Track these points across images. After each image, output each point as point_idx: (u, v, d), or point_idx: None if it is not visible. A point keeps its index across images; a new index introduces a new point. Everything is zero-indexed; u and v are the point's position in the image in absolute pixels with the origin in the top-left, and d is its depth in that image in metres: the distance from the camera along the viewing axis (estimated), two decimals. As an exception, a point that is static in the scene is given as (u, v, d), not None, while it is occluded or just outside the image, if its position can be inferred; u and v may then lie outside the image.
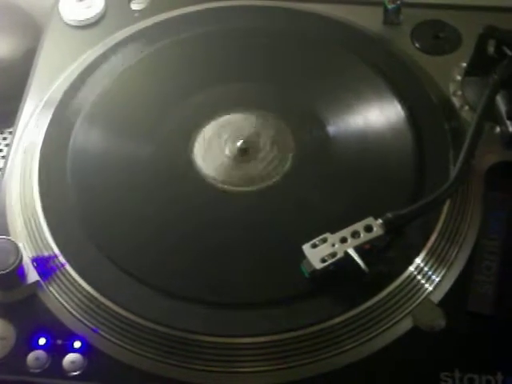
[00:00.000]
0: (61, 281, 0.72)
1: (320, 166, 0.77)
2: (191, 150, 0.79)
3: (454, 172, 0.71)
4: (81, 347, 0.69)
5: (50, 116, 0.81)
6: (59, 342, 0.69)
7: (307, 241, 0.68)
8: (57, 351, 0.69)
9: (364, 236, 0.68)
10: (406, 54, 0.85)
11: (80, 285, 0.71)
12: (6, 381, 0.69)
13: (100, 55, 0.85)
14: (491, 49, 0.77)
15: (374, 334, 0.68)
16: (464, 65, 0.82)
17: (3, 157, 0.87)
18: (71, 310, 0.70)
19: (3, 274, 0.69)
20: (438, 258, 0.71)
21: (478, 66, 0.79)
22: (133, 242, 0.73)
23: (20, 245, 0.71)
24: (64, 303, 0.71)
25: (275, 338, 0.68)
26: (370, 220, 0.68)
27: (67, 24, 0.90)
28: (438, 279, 0.70)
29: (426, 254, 0.71)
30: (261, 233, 0.73)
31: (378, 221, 0.68)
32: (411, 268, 0.70)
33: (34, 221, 0.75)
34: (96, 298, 0.70)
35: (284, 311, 0.68)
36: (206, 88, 0.83)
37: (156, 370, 0.68)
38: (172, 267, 0.71)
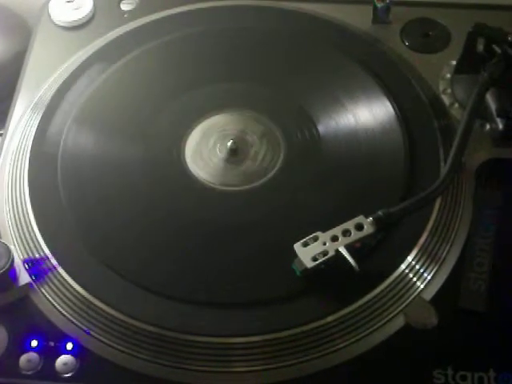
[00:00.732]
0: (52, 282, 0.72)
1: (310, 164, 0.77)
2: (181, 151, 0.79)
3: (444, 170, 0.71)
4: (73, 349, 0.69)
5: (40, 117, 0.80)
6: (51, 343, 0.69)
7: (299, 240, 0.68)
8: (49, 353, 0.69)
9: (355, 234, 0.68)
10: (396, 52, 0.85)
11: (72, 286, 0.71)
12: (-1, 383, 0.69)
13: (90, 56, 0.85)
14: (480, 47, 0.77)
15: (366, 333, 0.68)
16: (453, 63, 0.82)
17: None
18: (63, 311, 0.70)
19: (-5, 277, 0.69)
20: (429, 256, 0.71)
21: (468, 64, 0.80)
22: (124, 243, 0.73)
23: (11, 247, 0.71)
24: (56, 305, 0.71)
25: (268, 337, 0.68)
26: (360, 218, 0.68)
27: (57, 25, 0.90)
28: (429, 277, 0.71)
29: (418, 252, 0.71)
30: (252, 232, 0.73)
31: (369, 219, 0.68)
32: (403, 266, 0.70)
33: (25, 223, 0.75)
34: (87, 300, 0.70)
35: (276, 310, 0.68)
36: (195, 88, 0.83)
37: (148, 371, 0.68)
38: (163, 267, 0.71)
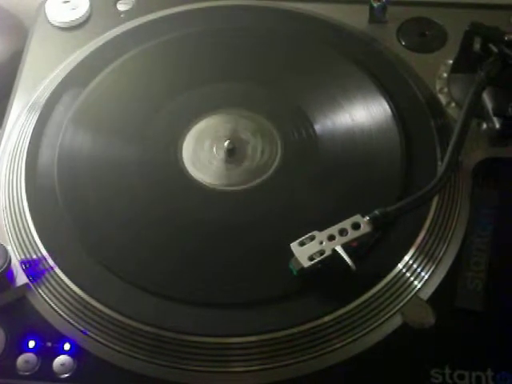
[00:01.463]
0: (50, 283, 0.72)
1: (307, 164, 0.77)
2: (179, 151, 0.79)
3: (440, 168, 0.71)
4: (70, 349, 0.69)
5: (36, 118, 0.80)
6: (49, 344, 0.69)
7: (296, 239, 0.68)
8: (46, 354, 0.69)
9: (351, 233, 0.68)
10: (393, 51, 0.85)
11: (69, 287, 0.71)
12: (-4, 384, 0.69)
13: (86, 56, 0.85)
14: (477, 46, 0.78)
15: (363, 332, 0.68)
16: (450, 62, 0.82)
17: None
18: (60, 312, 0.70)
19: (-9, 277, 0.69)
20: (426, 255, 0.71)
21: (464, 63, 0.80)
22: (121, 244, 0.73)
23: (8, 248, 0.71)
24: (53, 305, 0.71)
25: (265, 337, 0.68)
26: (357, 217, 0.68)
27: (53, 26, 0.90)
28: (426, 276, 0.71)
29: (415, 251, 0.71)
30: (249, 232, 0.73)
31: (366, 218, 0.68)
32: (400, 265, 0.70)
33: (23, 223, 0.75)
34: (85, 300, 0.70)
35: (273, 310, 0.68)
36: (192, 88, 0.83)
37: (146, 371, 0.68)
38: (161, 268, 0.71)
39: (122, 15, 0.90)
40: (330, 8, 0.89)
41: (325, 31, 0.86)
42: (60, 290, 0.71)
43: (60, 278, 0.71)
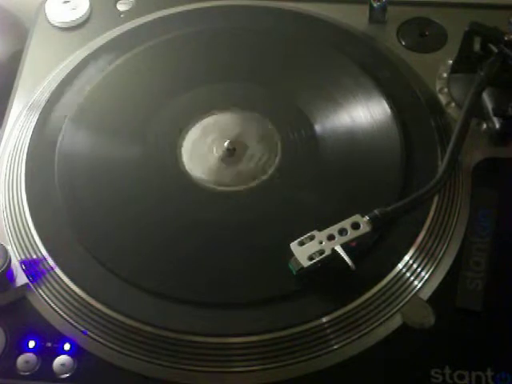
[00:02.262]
0: (50, 283, 0.72)
1: (307, 164, 0.77)
2: (179, 151, 0.79)
3: (440, 168, 0.71)
4: (70, 349, 0.69)
5: (36, 118, 0.80)
6: (49, 344, 0.69)
7: (295, 239, 0.68)
8: (46, 354, 0.69)
9: (351, 233, 0.68)
10: (393, 51, 0.85)
11: (69, 287, 0.71)
12: (-4, 384, 0.69)
13: (86, 57, 0.85)
14: (477, 46, 0.78)
15: (363, 332, 0.68)
16: (450, 62, 0.82)
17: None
18: (60, 312, 0.70)
19: (-9, 277, 0.69)
20: (426, 255, 0.71)
21: (464, 63, 0.80)
22: (121, 244, 0.73)
23: (8, 248, 0.71)
24: (53, 305, 0.71)
25: (265, 337, 0.68)
26: (356, 217, 0.68)
27: (53, 26, 0.90)
28: (426, 276, 0.71)
29: (415, 251, 0.71)
30: (250, 232, 0.73)
31: (365, 218, 0.68)
32: (400, 265, 0.70)
33: (22, 223, 0.75)
34: (85, 300, 0.70)
35: (273, 310, 0.68)
36: (192, 88, 0.83)
37: (146, 371, 0.68)
38: (161, 268, 0.71)
39: (121, 15, 0.90)
40: (330, 8, 0.89)
41: (325, 31, 0.86)
42: (60, 289, 0.71)
43: (60, 278, 0.71)
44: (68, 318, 0.70)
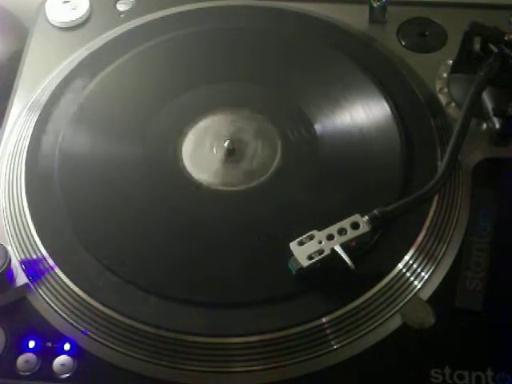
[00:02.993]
0: (50, 283, 0.72)
1: (307, 164, 0.77)
2: (179, 151, 0.79)
3: (440, 168, 0.71)
4: (70, 349, 0.69)
5: (36, 118, 0.80)
6: (49, 344, 0.69)
7: (295, 239, 0.68)
8: (46, 354, 0.69)
9: (350, 233, 0.68)
10: (393, 51, 0.85)
11: (69, 287, 0.71)
12: (-4, 384, 0.69)
13: (86, 57, 0.85)
14: (477, 46, 0.78)
15: (363, 332, 0.68)
16: (450, 62, 0.82)
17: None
18: (60, 312, 0.70)
19: (-9, 277, 0.69)
20: (426, 255, 0.71)
21: (464, 63, 0.80)
22: (122, 244, 0.73)
23: (8, 248, 0.71)
24: (53, 305, 0.71)
25: (266, 337, 0.68)
26: (356, 217, 0.68)
27: (53, 26, 0.90)
28: (426, 276, 0.71)
29: (415, 251, 0.71)
30: (249, 232, 0.73)
31: (365, 218, 0.68)
32: (400, 265, 0.70)
33: (23, 223, 0.75)
34: (85, 300, 0.70)
35: (273, 310, 0.68)
36: (192, 88, 0.83)
37: (146, 371, 0.68)
38: (161, 268, 0.71)
39: (121, 15, 0.90)
40: (330, 8, 0.89)
41: (325, 31, 0.86)
42: (60, 289, 0.71)
43: (60, 278, 0.71)
44: (68, 318, 0.70)
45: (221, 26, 0.87)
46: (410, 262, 0.71)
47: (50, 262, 0.72)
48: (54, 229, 0.74)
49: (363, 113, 0.79)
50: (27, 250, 0.73)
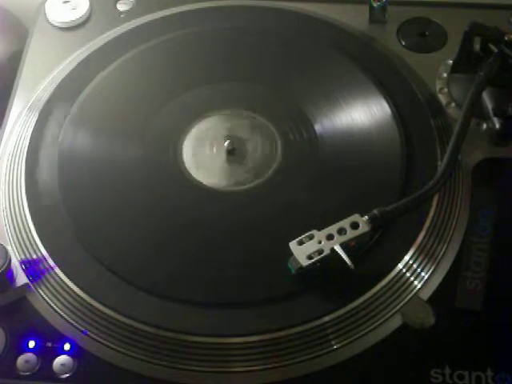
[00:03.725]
0: (50, 283, 0.72)
1: (307, 164, 0.77)
2: (179, 151, 0.79)
3: (440, 168, 0.71)
4: (70, 349, 0.69)
5: (36, 118, 0.80)
6: (49, 344, 0.69)
7: (295, 239, 0.68)
8: (46, 354, 0.69)
9: (350, 233, 0.68)
10: (393, 51, 0.85)
11: (69, 287, 0.71)
12: (-4, 384, 0.69)
13: (86, 57, 0.85)
14: (477, 46, 0.78)
15: (363, 332, 0.68)
16: (450, 62, 0.82)
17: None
18: (60, 312, 0.70)
19: (-9, 277, 0.69)
20: (426, 255, 0.71)
21: (464, 63, 0.80)
22: (122, 244, 0.73)
23: (8, 248, 0.71)
24: (53, 305, 0.71)
25: (266, 337, 0.68)
26: (356, 217, 0.68)
27: (53, 26, 0.90)
28: (426, 276, 0.71)
29: (415, 251, 0.71)
30: (249, 232, 0.73)
31: (364, 217, 0.68)
32: (400, 265, 0.70)
33: (23, 223, 0.75)
34: (85, 300, 0.70)
35: (273, 310, 0.68)
36: (192, 88, 0.83)
37: (146, 371, 0.68)
38: (161, 268, 0.71)
39: (121, 15, 0.90)
40: (330, 8, 0.89)
41: (325, 31, 0.86)
42: (60, 289, 0.71)
43: (60, 278, 0.71)
44: (68, 318, 0.70)
45: (221, 26, 0.87)
46: (410, 262, 0.71)
47: (50, 262, 0.72)
48: (54, 229, 0.74)
49: (363, 113, 0.79)
50: (27, 249, 0.73)
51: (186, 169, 0.78)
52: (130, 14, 0.90)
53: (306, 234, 0.68)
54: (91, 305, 0.70)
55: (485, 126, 0.79)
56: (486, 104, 0.77)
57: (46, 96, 0.82)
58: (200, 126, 0.81)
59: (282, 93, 0.82)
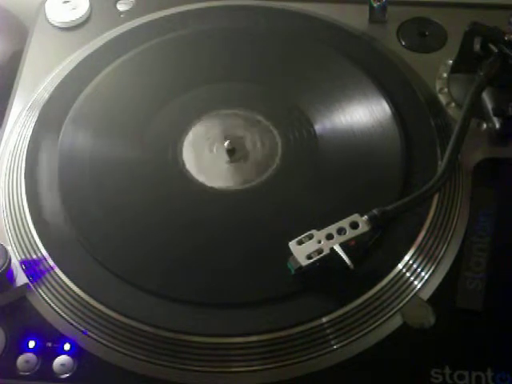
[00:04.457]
0: (50, 283, 0.72)
1: (307, 164, 0.77)
2: (179, 151, 0.79)
3: (440, 168, 0.71)
4: (70, 349, 0.69)
5: (36, 118, 0.80)
6: (49, 344, 0.69)
7: (295, 238, 0.68)
8: (46, 354, 0.69)
9: (350, 232, 0.68)
10: (393, 51, 0.85)
11: (69, 287, 0.71)
12: (-4, 384, 0.69)
13: (86, 57, 0.85)
14: (477, 46, 0.78)
15: (363, 332, 0.68)
16: (450, 62, 0.82)
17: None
18: (60, 312, 0.70)
19: (-9, 277, 0.69)
20: (426, 255, 0.72)
21: (464, 63, 0.80)
22: (122, 244, 0.73)
23: (8, 248, 0.71)
24: (53, 305, 0.71)
25: (265, 337, 0.68)
26: (355, 216, 0.68)
27: (53, 26, 0.90)
28: (426, 276, 0.71)
29: (415, 251, 0.71)
30: (249, 232, 0.73)
31: (364, 217, 0.68)
32: (400, 265, 0.70)
33: (23, 223, 0.75)
34: (85, 300, 0.70)
35: (273, 310, 0.68)
36: (191, 89, 0.83)
37: (146, 371, 0.68)
38: (161, 268, 0.71)
39: (121, 15, 0.90)
40: (330, 8, 0.89)
41: (325, 31, 0.86)
42: (60, 289, 0.71)
43: (60, 278, 0.71)
44: (68, 318, 0.70)
45: (221, 26, 0.87)
46: (410, 262, 0.71)
47: (50, 262, 0.72)
48: (53, 229, 0.74)
49: (363, 113, 0.79)
50: (27, 249, 0.73)
51: (185, 169, 0.78)
52: (130, 14, 0.90)
53: (306, 234, 0.68)
54: (91, 305, 0.70)
55: (485, 125, 0.79)
56: (486, 104, 0.77)
57: (46, 96, 0.82)
58: (200, 126, 0.81)
59: (281, 93, 0.82)
